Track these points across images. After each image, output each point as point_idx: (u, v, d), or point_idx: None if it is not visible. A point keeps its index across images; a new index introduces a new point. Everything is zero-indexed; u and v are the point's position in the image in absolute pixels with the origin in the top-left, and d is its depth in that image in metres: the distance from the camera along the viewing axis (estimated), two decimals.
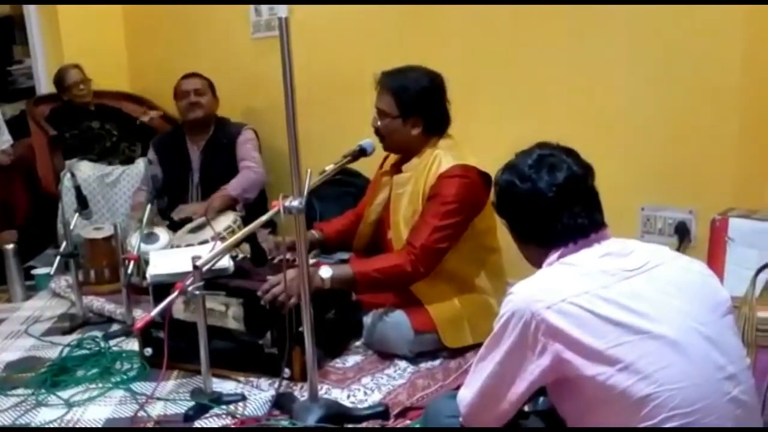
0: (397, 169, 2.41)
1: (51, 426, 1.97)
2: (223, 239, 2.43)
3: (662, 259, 1.32)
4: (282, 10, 3.35)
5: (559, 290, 1.24)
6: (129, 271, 2.57)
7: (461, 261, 2.28)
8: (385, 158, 2.55)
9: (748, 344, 1.62)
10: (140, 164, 3.64)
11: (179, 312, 2.15)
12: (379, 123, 2.32)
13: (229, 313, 2.16)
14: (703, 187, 2.34)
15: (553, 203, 1.36)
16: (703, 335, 1.22)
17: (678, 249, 2.33)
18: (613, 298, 1.23)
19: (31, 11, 4.29)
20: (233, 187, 3.17)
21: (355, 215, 2.63)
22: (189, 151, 3.43)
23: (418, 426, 1.85)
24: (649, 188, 2.47)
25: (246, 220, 2.86)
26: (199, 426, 1.93)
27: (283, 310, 2.03)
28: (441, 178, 2.20)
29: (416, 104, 2.26)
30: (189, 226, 3.08)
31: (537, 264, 1.41)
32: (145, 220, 2.72)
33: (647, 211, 2.49)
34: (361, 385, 2.10)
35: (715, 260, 2.00)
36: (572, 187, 1.36)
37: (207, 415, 1.97)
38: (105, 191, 3.56)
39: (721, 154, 2.29)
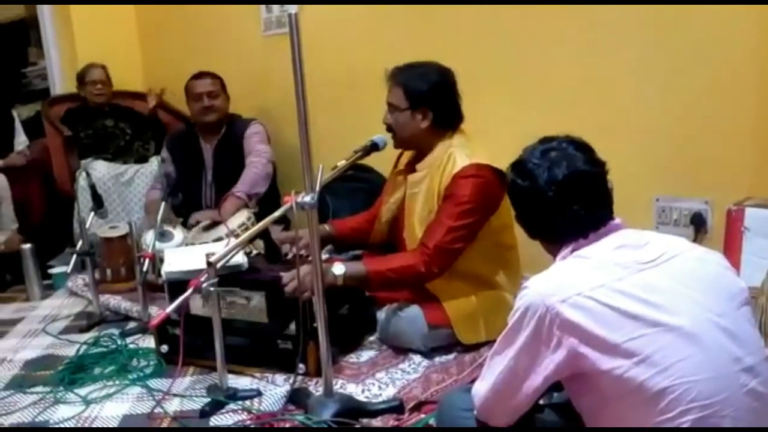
0: (411, 167, 2.41)
1: (69, 422, 1.99)
2: (237, 236, 2.44)
3: (678, 250, 1.31)
4: (292, 6, 3.35)
5: (573, 284, 1.24)
6: (144, 269, 2.59)
7: (478, 259, 2.27)
8: (399, 156, 2.54)
9: (765, 335, 1.61)
10: (154, 163, 3.67)
11: (198, 308, 2.16)
12: (389, 118, 2.32)
13: (252, 305, 2.17)
14: (718, 177, 2.32)
15: (553, 201, 1.36)
16: (720, 327, 1.21)
17: (694, 240, 2.32)
18: (628, 291, 1.22)
19: (44, 13, 4.32)
20: (239, 189, 3.16)
21: (370, 215, 2.63)
22: (202, 150, 3.44)
23: (432, 420, 1.85)
24: (664, 179, 2.45)
25: (259, 217, 2.86)
26: (215, 422, 1.94)
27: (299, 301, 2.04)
28: (456, 178, 2.19)
29: (425, 96, 2.25)
30: (203, 224, 3.10)
31: (553, 255, 1.41)
32: (159, 218, 2.74)
33: (662, 202, 2.47)
34: (376, 380, 2.11)
35: (731, 250, 1.98)
36: (573, 184, 1.35)
37: (223, 411, 1.98)
38: (120, 190, 3.59)
39: (737, 143, 2.26)
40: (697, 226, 2.38)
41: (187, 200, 3.41)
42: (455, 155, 2.23)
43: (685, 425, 1.15)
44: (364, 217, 2.66)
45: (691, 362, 1.17)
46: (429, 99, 2.26)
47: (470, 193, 2.17)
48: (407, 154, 2.48)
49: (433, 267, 2.16)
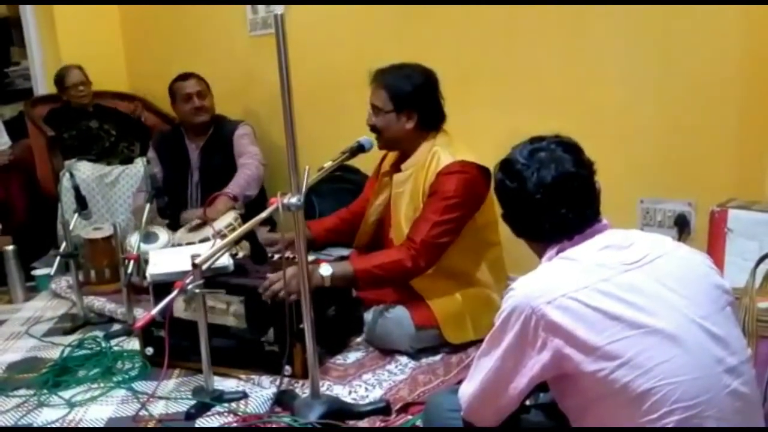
0: (396, 168, 2.41)
1: (53, 426, 1.97)
2: (223, 237, 2.43)
3: (663, 250, 1.32)
4: (278, 7, 3.34)
5: (559, 285, 1.24)
6: (129, 270, 2.57)
7: (462, 256, 2.28)
8: (383, 158, 2.55)
9: (749, 335, 1.62)
10: (139, 164, 3.64)
11: (180, 311, 2.15)
12: (374, 119, 2.32)
13: (231, 311, 2.16)
14: (702, 178, 2.34)
15: (541, 204, 1.36)
16: (703, 328, 1.22)
17: (678, 241, 2.33)
18: (612, 292, 1.22)
19: (27, 12, 4.28)
20: (233, 189, 3.14)
21: (349, 214, 2.63)
22: (188, 151, 3.42)
23: (419, 421, 1.85)
24: (648, 180, 2.47)
25: (246, 218, 2.85)
26: (200, 424, 1.93)
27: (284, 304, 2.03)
28: (440, 175, 2.21)
29: (410, 98, 2.27)
30: (190, 224, 3.08)
31: (539, 256, 1.42)
32: (144, 219, 2.72)
33: (646, 204, 2.48)
34: (363, 381, 2.11)
35: (714, 252, 1.99)
36: (562, 186, 1.36)
37: (209, 413, 1.97)
38: (104, 191, 3.56)
39: (720, 145, 2.28)
40: (681, 228, 2.40)
41: (173, 201, 3.39)
42: (439, 153, 2.25)
43: (669, 426, 1.16)
44: (339, 217, 2.65)
45: (674, 364, 1.17)
46: (414, 101, 2.27)
47: (455, 188, 2.19)
48: (391, 157, 2.49)
49: (420, 261, 2.17)
